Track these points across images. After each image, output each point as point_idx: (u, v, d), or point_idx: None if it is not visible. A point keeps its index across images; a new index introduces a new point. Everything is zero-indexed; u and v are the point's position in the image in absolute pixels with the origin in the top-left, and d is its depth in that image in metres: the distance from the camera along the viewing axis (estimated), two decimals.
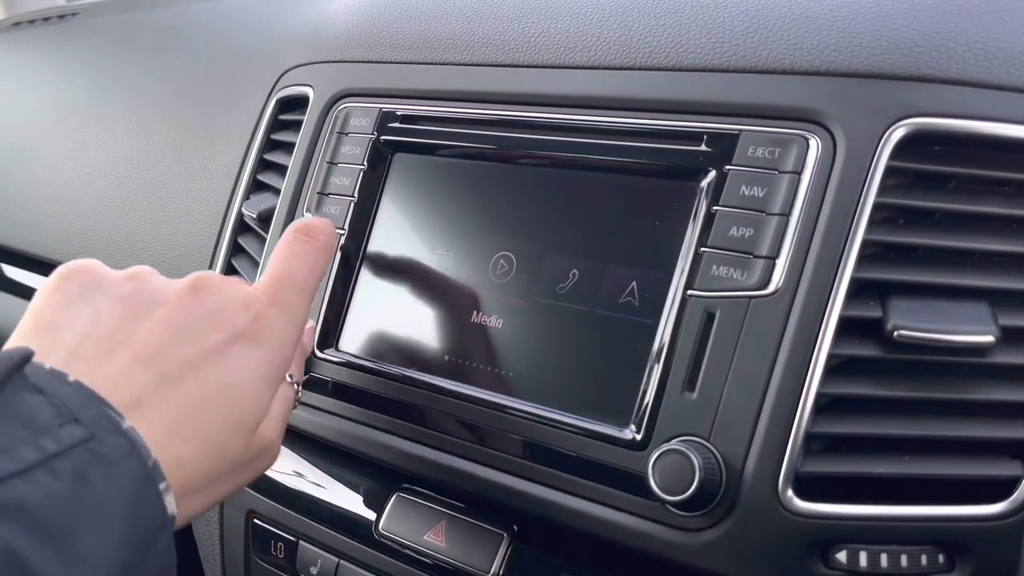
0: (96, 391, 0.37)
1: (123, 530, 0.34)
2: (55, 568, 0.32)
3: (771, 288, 0.48)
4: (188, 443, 0.40)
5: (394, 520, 0.60)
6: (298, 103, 0.73)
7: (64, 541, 0.32)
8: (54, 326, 0.42)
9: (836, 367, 0.46)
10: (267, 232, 0.69)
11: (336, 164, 0.66)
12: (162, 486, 0.37)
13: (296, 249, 0.50)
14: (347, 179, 0.65)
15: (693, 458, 0.45)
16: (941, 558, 0.45)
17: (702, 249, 0.50)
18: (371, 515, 0.61)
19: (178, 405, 0.40)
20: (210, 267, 0.76)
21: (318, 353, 0.63)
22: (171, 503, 0.37)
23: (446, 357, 0.58)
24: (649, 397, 0.50)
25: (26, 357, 0.36)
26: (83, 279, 0.44)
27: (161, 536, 0.36)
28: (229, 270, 0.74)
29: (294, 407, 0.50)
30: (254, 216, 0.71)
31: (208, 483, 0.42)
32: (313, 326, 0.57)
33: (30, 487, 0.32)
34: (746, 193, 0.49)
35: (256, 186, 0.75)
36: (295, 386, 0.50)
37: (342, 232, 0.64)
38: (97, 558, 0.33)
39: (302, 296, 0.49)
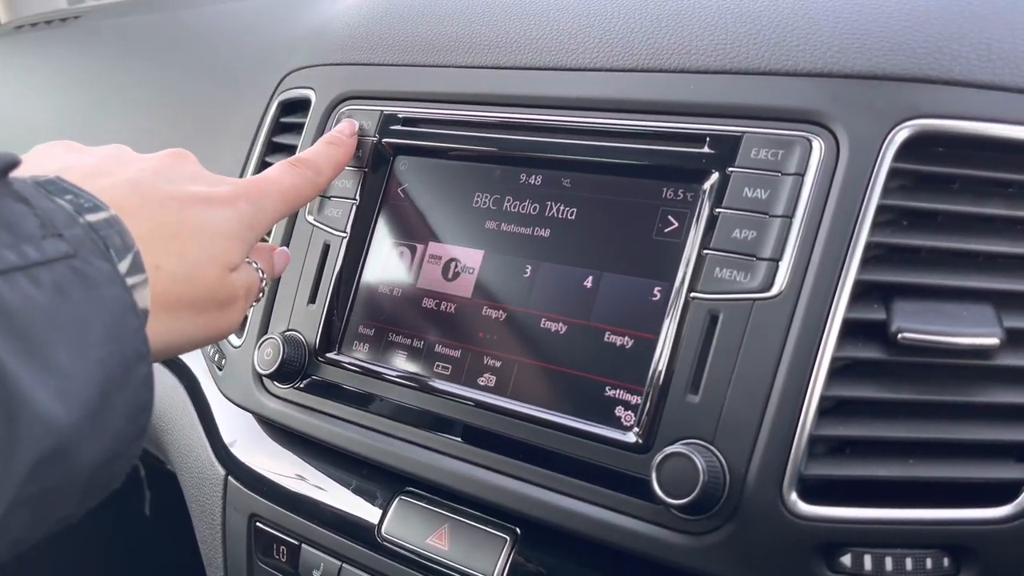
0: (80, 187, 0.37)
1: (101, 351, 0.34)
2: (30, 374, 0.31)
3: (774, 290, 0.48)
4: (166, 256, 0.41)
5: (397, 523, 0.60)
6: (300, 105, 0.73)
7: (41, 350, 0.32)
8: (39, 163, 0.44)
9: (840, 370, 0.46)
10: (269, 234, 0.69)
11: None
12: (138, 279, 0.37)
13: (290, 168, 0.53)
14: (349, 181, 0.65)
15: (696, 461, 0.45)
16: (946, 562, 0.44)
17: (705, 251, 0.50)
18: (374, 518, 0.61)
19: (159, 222, 0.42)
20: None
21: (320, 356, 0.63)
22: (145, 299, 0.37)
23: (448, 360, 0.58)
24: (652, 400, 0.50)
25: (11, 163, 0.35)
26: (66, 144, 0.47)
27: (140, 366, 0.36)
28: None
29: (258, 298, 0.51)
30: None
31: (182, 305, 0.42)
32: (287, 252, 0.57)
33: (9, 289, 0.32)
34: (749, 195, 0.49)
35: None
36: (260, 274, 0.50)
37: (343, 234, 0.64)
38: (74, 371, 0.33)
39: (278, 197, 0.51)
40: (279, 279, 0.67)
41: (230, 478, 0.71)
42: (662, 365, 0.50)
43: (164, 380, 0.80)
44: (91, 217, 0.36)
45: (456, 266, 0.60)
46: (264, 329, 0.67)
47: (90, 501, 0.36)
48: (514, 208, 0.58)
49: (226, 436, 0.72)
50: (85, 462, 0.34)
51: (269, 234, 0.69)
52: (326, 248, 0.65)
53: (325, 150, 0.58)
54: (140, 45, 1.06)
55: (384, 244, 0.64)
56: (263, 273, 0.51)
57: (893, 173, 0.47)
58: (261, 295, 0.51)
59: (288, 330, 0.65)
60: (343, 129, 0.62)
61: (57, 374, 0.32)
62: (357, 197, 0.64)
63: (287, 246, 0.67)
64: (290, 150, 0.72)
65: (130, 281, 0.37)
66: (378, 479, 0.63)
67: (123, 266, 0.37)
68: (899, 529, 0.44)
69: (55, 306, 0.33)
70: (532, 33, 0.62)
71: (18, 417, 0.30)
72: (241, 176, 0.76)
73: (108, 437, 0.34)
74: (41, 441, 0.31)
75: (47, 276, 0.33)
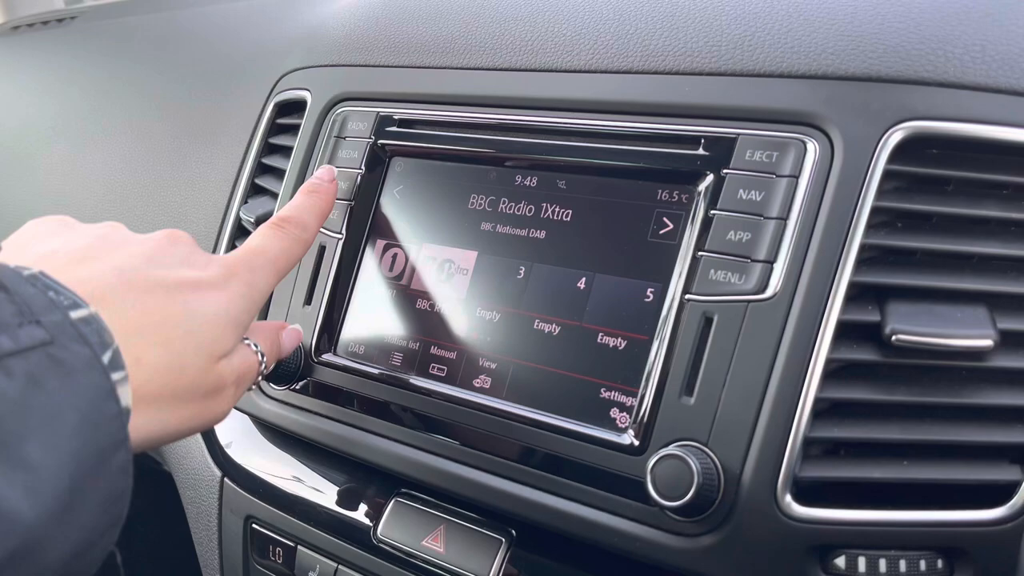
0: (60, 283, 0.36)
1: (74, 442, 0.33)
2: None
3: (769, 292, 0.48)
4: (149, 347, 0.40)
5: (392, 525, 0.60)
6: (296, 107, 0.73)
7: (10, 444, 0.31)
8: (26, 243, 0.43)
9: (834, 371, 0.46)
10: None
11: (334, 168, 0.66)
12: (119, 375, 0.36)
13: (276, 232, 0.52)
14: (345, 183, 0.65)
15: (691, 463, 0.45)
16: (940, 563, 0.44)
17: (700, 253, 0.50)
18: (369, 520, 0.61)
19: (143, 310, 0.41)
20: None
21: (315, 358, 0.63)
22: (126, 395, 0.36)
23: (443, 362, 0.58)
24: (647, 402, 0.50)
25: None
26: (60, 221, 0.47)
27: (117, 454, 0.35)
28: None
29: (256, 381, 0.50)
30: (252, 220, 0.71)
31: (165, 398, 0.41)
32: (298, 329, 0.57)
33: None
34: (744, 197, 0.49)
35: (254, 190, 0.75)
36: (260, 357, 0.49)
37: (339, 236, 0.64)
38: (43, 467, 0.31)
39: (270, 269, 0.50)
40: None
41: (226, 480, 0.71)
42: (657, 367, 0.50)
43: None
44: (71, 315, 0.35)
45: (451, 267, 0.60)
46: None
47: None
48: (509, 210, 0.58)
49: (222, 438, 0.72)
50: (55, 557, 0.32)
51: None
52: (322, 250, 0.65)
53: (307, 202, 0.56)
54: (136, 46, 1.05)
55: (380, 245, 0.64)
56: (263, 356, 0.49)
57: (887, 175, 0.47)
58: (260, 379, 0.50)
59: None
60: (322, 176, 0.60)
61: (26, 470, 0.31)
62: (353, 199, 0.64)
63: None
64: (286, 152, 0.72)
65: (113, 377, 0.36)
66: (374, 481, 0.63)
67: (103, 359, 0.36)
68: (893, 531, 0.44)
69: (27, 398, 0.32)
70: (528, 35, 0.62)
71: None
72: (237, 178, 0.76)
73: (80, 530, 0.33)
74: (7, 541, 0.30)
75: (20, 366, 0.32)
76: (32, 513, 0.31)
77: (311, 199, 0.57)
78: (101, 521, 0.34)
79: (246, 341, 0.49)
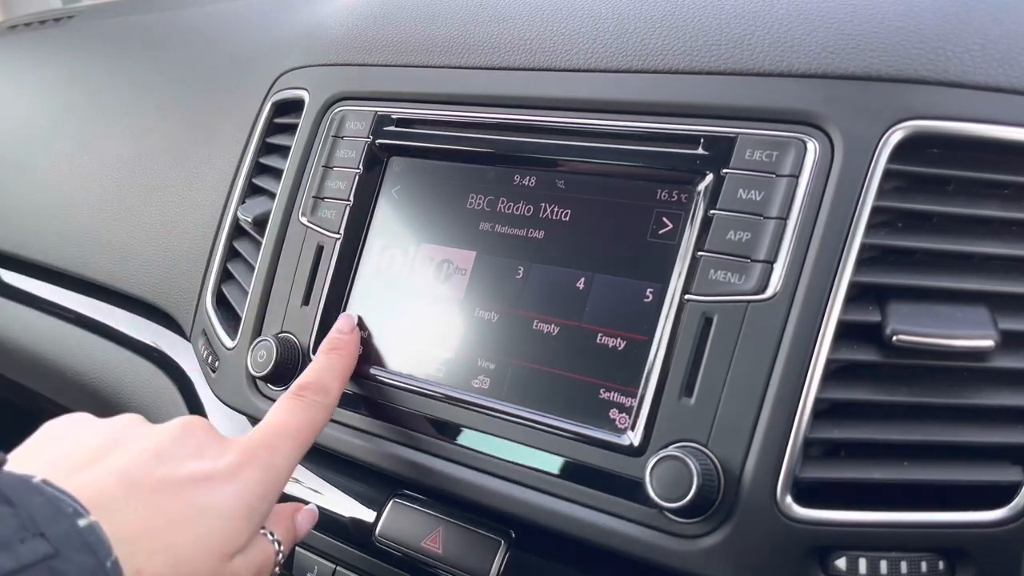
0: (64, 491, 0.35)
1: None
2: None
3: (769, 292, 0.47)
4: (152, 556, 0.39)
5: (391, 526, 0.60)
6: (293, 106, 0.73)
7: None
8: (39, 446, 0.43)
9: (835, 372, 0.46)
10: (262, 236, 0.69)
11: (331, 168, 0.66)
12: None
13: (297, 404, 0.51)
14: (343, 183, 0.65)
15: (691, 464, 0.45)
16: (941, 564, 0.44)
17: (699, 253, 0.50)
18: (368, 521, 0.61)
19: (147, 515, 0.39)
20: (205, 271, 0.76)
21: (313, 358, 0.63)
22: None
23: (442, 363, 0.58)
24: (647, 402, 0.50)
25: None
26: (73, 420, 0.45)
27: None
28: (224, 274, 0.74)
29: (275, 569, 0.47)
30: (249, 220, 0.71)
31: None
32: (313, 511, 0.54)
33: None
34: (743, 197, 0.49)
35: (251, 190, 0.75)
36: (276, 547, 0.47)
37: (337, 236, 0.64)
38: None
39: (291, 445, 0.48)
40: (272, 280, 0.66)
41: None
42: (656, 367, 0.50)
43: (158, 382, 0.80)
44: (78, 523, 0.35)
45: (449, 267, 0.60)
46: (258, 331, 0.67)
47: None
48: (508, 209, 0.58)
49: None
50: None
51: (264, 239, 0.69)
52: (320, 249, 0.64)
53: (327, 363, 0.55)
54: (134, 45, 1.05)
55: (378, 245, 0.63)
56: (280, 545, 0.48)
57: (888, 174, 0.47)
58: (277, 568, 0.48)
59: (282, 332, 0.64)
60: (342, 328, 0.58)
61: None
62: (351, 198, 0.64)
63: (281, 248, 0.67)
64: (284, 151, 0.72)
65: None
66: (372, 482, 0.62)
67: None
68: (894, 532, 0.44)
69: None
70: (526, 34, 0.62)
71: None
72: (234, 178, 0.76)
73: None
74: None
75: None
76: None
77: (331, 359, 0.56)
78: None
79: (262, 531, 0.47)
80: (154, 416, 0.78)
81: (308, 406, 0.51)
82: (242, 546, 0.43)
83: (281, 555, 0.48)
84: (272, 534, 0.47)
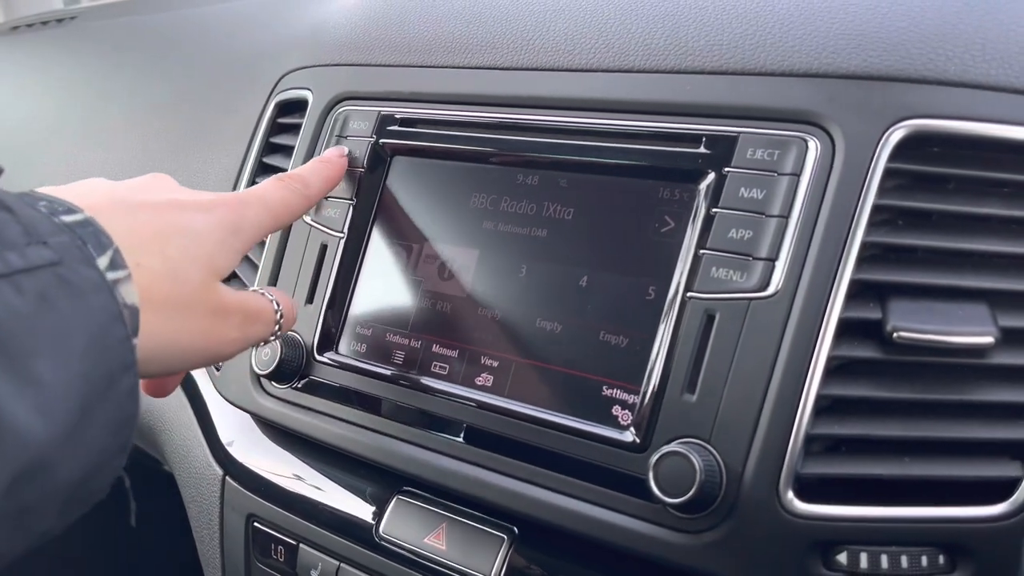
0: (55, 196, 0.37)
1: (84, 363, 0.33)
2: (8, 388, 0.30)
3: (771, 290, 0.48)
4: (147, 255, 0.40)
5: (394, 523, 0.60)
6: (297, 106, 0.73)
7: (21, 360, 0.31)
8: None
9: (836, 368, 0.46)
10: (264, 243, 0.69)
11: None
12: (120, 274, 0.36)
13: (277, 183, 0.53)
14: (346, 182, 0.65)
15: (693, 460, 0.46)
16: (942, 559, 0.45)
17: (701, 251, 0.50)
18: (371, 518, 0.61)
19: (134, 225, 0.41)
20: None
21: (317, 356, 0.63)
22: (131, 294, 0.36)
23: (445, 360, 0.58)
24: (649, 399, 0.50)
25: None
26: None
27: (125, 378, 0.35)
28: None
29: (275, 333, 0.50)
30: None
31: (169, 306, 0.41)
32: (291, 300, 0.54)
33: None
34: (745, 195, 0.50)
35: None
36: (275, 306, 0.50)
37: (341, 235, 0.64)
38: (54, 385, 0.32)
39: (262, 209, 0.50)
40: (276, 279, 0.67)
41: (228, 478, 0.71)
42: (659, 364, 0.50)
43: None
44: (66, 218, 0.36)
45: (452, 266, 0.60)
46: None
47: (71, 515, 0.35)
48: (511, 208, 0.59)
49: (224, 436, 0.73)
50: (64, 477, 0.33)
51: (267, 238, 0.69)
52: (323, 248, 0.65)
53: (313, 165, 0.59)
54: (136, 46, 1.06)
55: (381, 244, 0.64)
56: (279, 306, 0.50)
57: (888, 173, 0.47)
58: (278, 329, 0.50)
59: None
60: (332, 152, 0.63)
61: (37, 387, 0.31)
62: (354, 197, 0.65)
63: (285, 246, 0.67)
64: (287, 151, 0.72)
65: (111, 276, 0.36)
66: (376, 479, 0.63)
67: (102, 261, 0.36)
68: (895, 527, 0.45)
69: (38, 315, 0.32)
70: (529, 34, 0.62)
71: None
72: (237, 180, 0.76)
73: (89, 451, 0.33)
74: (18, 457, 0.30)
75: (30, 284, 0.32)
76: (43, 431, 0.31)
77: (319, 164, 0.59)
78: (109, 444, 0.35)
79: (259, 291, 0.50)
80: (159, 416, 0.78)
81: (286, 187, 0.53)
82: (223, 270, 0.45)
83: (279, 321, 0.50)
84: (271, 295, 0.50)
